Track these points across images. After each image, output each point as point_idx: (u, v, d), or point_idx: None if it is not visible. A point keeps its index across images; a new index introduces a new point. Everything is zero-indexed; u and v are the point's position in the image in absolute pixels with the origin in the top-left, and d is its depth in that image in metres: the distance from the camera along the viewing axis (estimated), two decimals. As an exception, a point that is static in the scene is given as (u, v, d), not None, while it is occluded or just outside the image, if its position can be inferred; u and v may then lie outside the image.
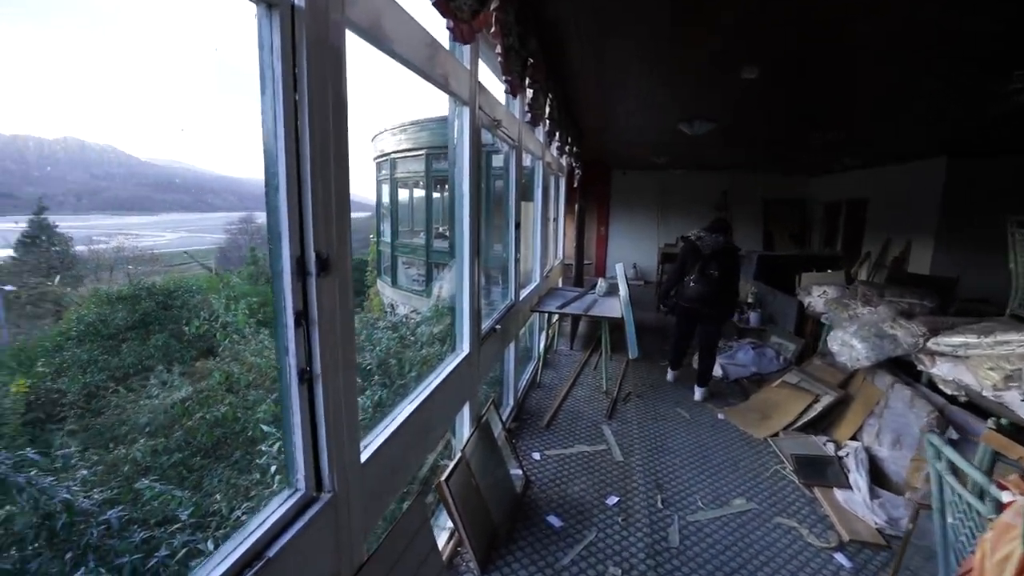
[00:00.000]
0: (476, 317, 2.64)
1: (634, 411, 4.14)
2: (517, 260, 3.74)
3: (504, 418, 3.69)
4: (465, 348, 2.56)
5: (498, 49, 2.05)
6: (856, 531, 2.70)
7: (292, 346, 1.16)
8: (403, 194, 11.45)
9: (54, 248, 17.87)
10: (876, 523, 2.72)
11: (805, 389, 4.02)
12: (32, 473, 3.17)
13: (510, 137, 3.37)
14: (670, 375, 4.81)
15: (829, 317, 4.20)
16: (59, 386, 8.31)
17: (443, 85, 2.09)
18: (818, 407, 3.77)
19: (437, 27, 1.84)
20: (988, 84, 3.37)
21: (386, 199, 11.03)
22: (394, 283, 10.67)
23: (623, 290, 4.35)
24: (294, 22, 1.07)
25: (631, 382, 4.72)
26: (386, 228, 11.13)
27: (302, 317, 1.16)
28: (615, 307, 4.46)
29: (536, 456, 3.34)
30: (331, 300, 1.23)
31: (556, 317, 5.44)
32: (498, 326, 3.10)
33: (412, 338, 5.34)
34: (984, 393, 2.58)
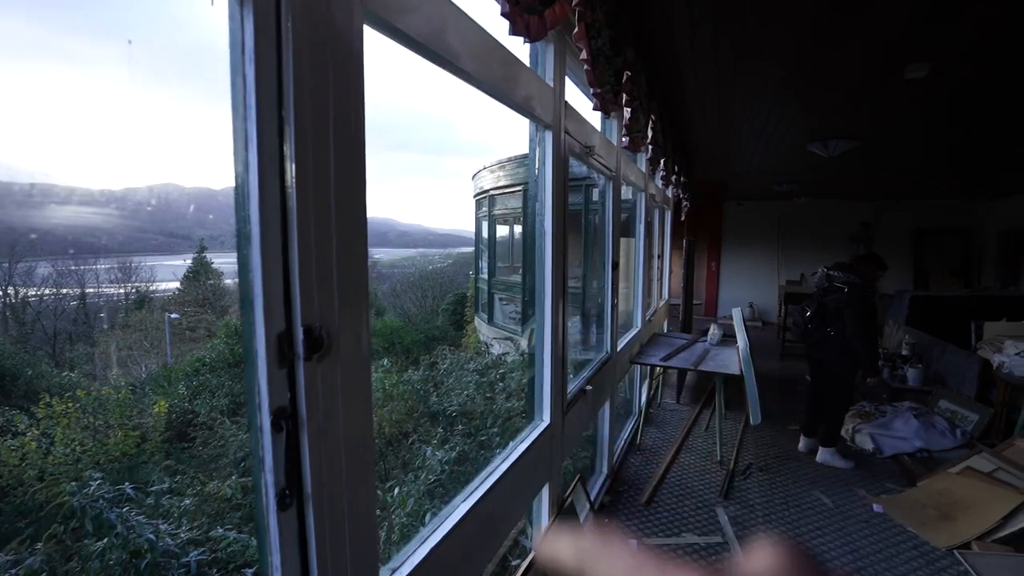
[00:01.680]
0: (560, 379, 2.21)
1: (757, 490, 3.38)
2: (614, 305, 3.26)
3: (596, 491, 3.17)
4: (545, 418, 2.13)
5: (584, 55, 1.67)
6: None
7: (268, 457, 0.83)
8: (503, 230, 11.41)
9: (209, 282, 20.59)
10: None
11: (1006, 483, 3.01)
12: (125, 509, 3.24)
13: (606, 167, 2.96)
14: (802, 443, 3.95)
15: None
16: (192, 407, 9.14)
17: (520, 106, 1.76)
18: (1029, 511, 2.77)
19: (511, 40, 1.52)
20: None
21: (485, 235, 11.05)
22: (490, 320, 10.52)
23: (742, 341, 3.65)
24: (280, 14, 0.77)
25: (751, 450, 3.93)
26: (484, 265, 11.11)
27: (285, 417, 0.83)
28: (731, 360, 3.76)
29: (632, 545, 2.75)
30: (331, 392, 0.88)
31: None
32: (589, 387, 2.63)
33: (501, 384, 4.98)
34: None
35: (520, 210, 9.53)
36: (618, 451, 3.73)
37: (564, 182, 2.18)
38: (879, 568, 2.64)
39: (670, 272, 6.20)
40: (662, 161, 3.63)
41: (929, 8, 2.11)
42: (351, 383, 0.94)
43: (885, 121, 3.84)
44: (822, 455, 3.75)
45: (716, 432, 3.86)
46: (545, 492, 2.17)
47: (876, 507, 3.22)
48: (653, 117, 3.03)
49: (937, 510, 3.09)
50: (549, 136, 2.04)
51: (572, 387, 2.50)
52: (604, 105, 1.88)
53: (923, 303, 6.11)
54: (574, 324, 6.65)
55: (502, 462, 1.77)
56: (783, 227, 9.71)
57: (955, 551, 2.75)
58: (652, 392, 4.93)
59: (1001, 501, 2.89)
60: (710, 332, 4.25)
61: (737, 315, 3.87)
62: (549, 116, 1.99)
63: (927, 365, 4.86)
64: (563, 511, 2.23)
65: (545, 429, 2.10)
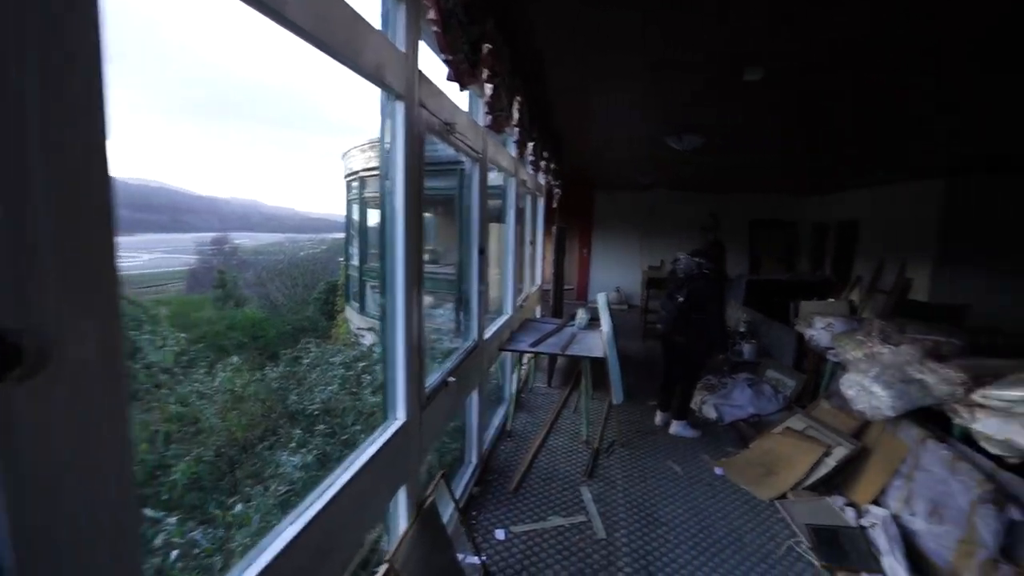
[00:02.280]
0: (418, 372, 2.06)
1: (618, 466, 3.56)
2: (482, 292, 3.18)
3: (465, 482, 3.09)
4: (400, 415, 1.97)
5: (432, 14, 1.51)
6: (899, 638, 2.14)
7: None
8: (375, 214, 10.88)
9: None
10: (923, 627, 2.16)
11: (814, 438, 3.49)
12: None
13: (472, 148, 2.84)
14: (658, 418, 4.26)
15: (838, 354, 3.69)
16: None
17: (369, 72, 1.56)
18: (831, 461, 3.23)
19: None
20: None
21: (356, 219, 10.41)
22: (362, 310, 9.99)
23: (606, 325, 3.80)
24: None
25: (615, 427, 4.15)
26: (355, 251, 10.49)
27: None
28: (597, 343, 3.91)
29: (500, 535, 2.72)
30: (47, 427, 0.64)
31: (532, 351, 4.87)
32: (452, 378, 2.52)
33: (368, 377, 4.69)
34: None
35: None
36: (488, 439, 3.70)
37: (419, 160, 2.01)
38: (718, 525, 2.90)
39: (543, 258, 6.32)
40: (530, 145, 3.61)
41: (765, 16, 2.28)
42: (91, 410, 0.69)
43: (729, 119, 4.21)
44: (674, 427, 4.07)
45: (583, 413, 4.00)
46: (402, 494, 2.02)
47: (717, 470, 3.56)
48: (519, 98, 2.97)
49: (764, 467, 3.50)
50: (401, 108, 1.85)
51: (433, 379, 2.37)
52: (459, 76, 1.74)
53: (756, 286, 6.98)
54: (448, 312, 6.56)
55: (343, 472, 1.58)
56: (646, 216, 10.47)
57: (775, 502, 3.13)
58: (524, 377, 5.00)
59: (808, 454, 3.34)
60: (577, 317, 4.39)
61: (602, 300, 4.02)
62: (401, 85, 1.80)
63: (759, 340, 5.53)
64: (423, 512, 2.10)
65: (401, 427, 1.94)
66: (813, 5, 2.15)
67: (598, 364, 3.89)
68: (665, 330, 4.09)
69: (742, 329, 5.68)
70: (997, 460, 2.49)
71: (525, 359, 4.84)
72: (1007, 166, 5.63)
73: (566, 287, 7.78)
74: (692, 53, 2.79)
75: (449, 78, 1.75)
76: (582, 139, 5.41)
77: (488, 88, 2.26)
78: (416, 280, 2.03)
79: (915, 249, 6.58)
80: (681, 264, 3.91)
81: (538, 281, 6.20)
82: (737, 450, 3.84)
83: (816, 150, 5.29)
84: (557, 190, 6.32)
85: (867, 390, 2.99)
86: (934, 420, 2.94)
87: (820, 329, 4.12)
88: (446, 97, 2.36)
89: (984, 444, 2.55)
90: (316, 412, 4.14)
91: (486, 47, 2.08)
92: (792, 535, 2.83)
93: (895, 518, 2.76)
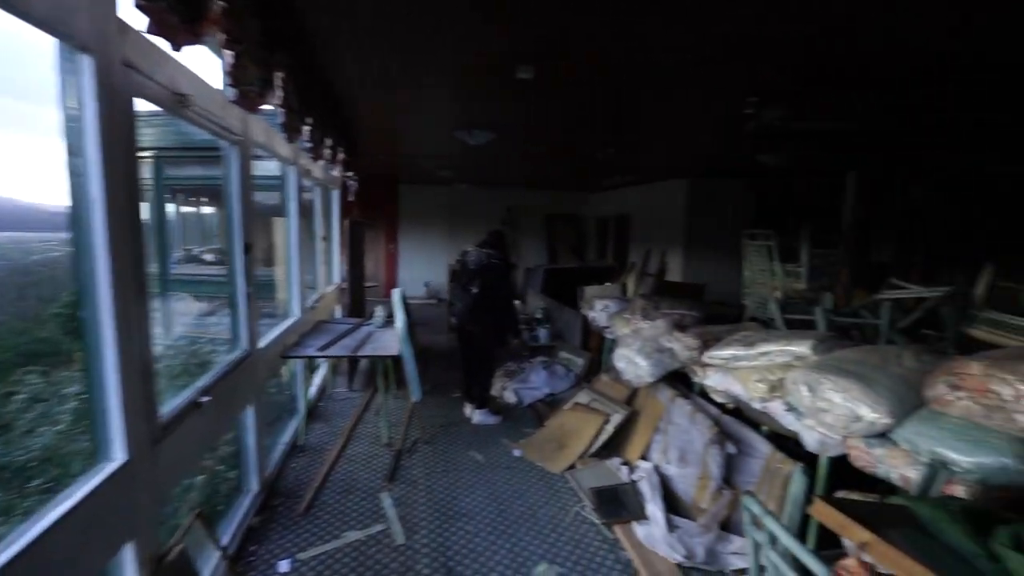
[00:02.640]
0: (143, 398, 1.65)
1: (421, 465, 3.48)
2: (251, 295, 2.76)
3: (242, 515, 2.66)
4: (118, 454, 1.55)
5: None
6: (659, 573, 2.46)
7: None
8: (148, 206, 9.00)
9: None
10: (676, 558, 2.52)
11: (596, 409, 3.88)
12: None
13: (225, 128, 2.42)
14: (467, 409, 4.31)
15: (612, 332, 4.16)
16: None
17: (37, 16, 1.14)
18: (609, 428, 3.62)
19: None
20: (730, 110, 3.64)
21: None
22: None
23: (399, 321, 3.67)
24: None
25: (420, 425, 4.06)
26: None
27: None
28: (392, 341, 3.75)
29: (283, 567, 2.40)
30: None
31: (329, 355, 4.49)
32: (207, 397, 2.11)
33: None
34: (753, 405, 2.59)
35: (151, 181, 7.61)
36: (275, 460, 3.28)
37: (127, 133, 1.60)
38: (515, 505, 3.01)
39: (341, 255, 5.90)
40: (306, 130, 3.26)
41: (532, 15, 2.36)
42: None
43: (511, 117, 4.41)
44: (476, 416, 4.16)
45: (383, 415, 3.82)
46: (129, 553, 1.60)
47: (516, 451, 3.72)
48: (282, 75, 2.62)
49: (557, 442, 3.77)
50: (89, 65, 1.43)
51: (176, 403, 1.95)
52: (160, 28, 1.40)
53: (553, 275, 7.60)
54: (222, 318, 5.72)
55: (20, 537, 1.16)
56: (451, 210, 10.62)
57: (566, 473, 3.39)
58: (322, 383, 4.59)
59: (592, 425, 3.70)
60: (374, 315, 4.17)
61: (396, 296, 3.88)
62: (88, 34, 1.39)
63: (553, 324, 6.00)
64: (164, 569, 1.70)
65: (119, 469, 1.53)
66: (576, 13, 2.31)
67: (400, 362, 3.75)
68: (460, 322, 4.14)
69: (539, 315, 6.10)
70: (721, 407, 3.05)
71: (322, 364, 4.44)
72: (719, 172, 7.07)
73: (370, 284, 7.43)
74: (470, 51, 2.81)
75: (150, 31, 1.39)
76: (378, 131, 5.16)
77: (228, 55, 1.91)
78: (136, 285, 1.62)
79: (671, 238, 7.88)
80: (471, 257, 4.01)
81: (336, 280, 5.77)
82: (534, 430, 4.07)
83: (582, 150, 5.90)
84: (352, 183, 5.95)
85: (632, 361, 3.40)
86: (683, 380, 3.49)
87: (599, 311, 4.60)
88: (177, 63, 1.94)
89: (713, 395, 3.10)
90: (31, 463, 3.14)
91: (219, 3, 1.74)
92: (578, 501, 3.08)
93: (656, 468, 3.20)
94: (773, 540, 1.39)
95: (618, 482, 3.16)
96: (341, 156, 4.73)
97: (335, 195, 5.84)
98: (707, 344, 3.08)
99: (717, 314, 5.23)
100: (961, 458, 1.67)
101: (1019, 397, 1.64)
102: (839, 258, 4.13)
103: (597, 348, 5.05)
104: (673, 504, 2.93)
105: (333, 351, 3.51)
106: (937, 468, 1.66)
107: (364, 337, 3.84)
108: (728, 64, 2.82)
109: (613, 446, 3.61)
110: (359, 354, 3.50)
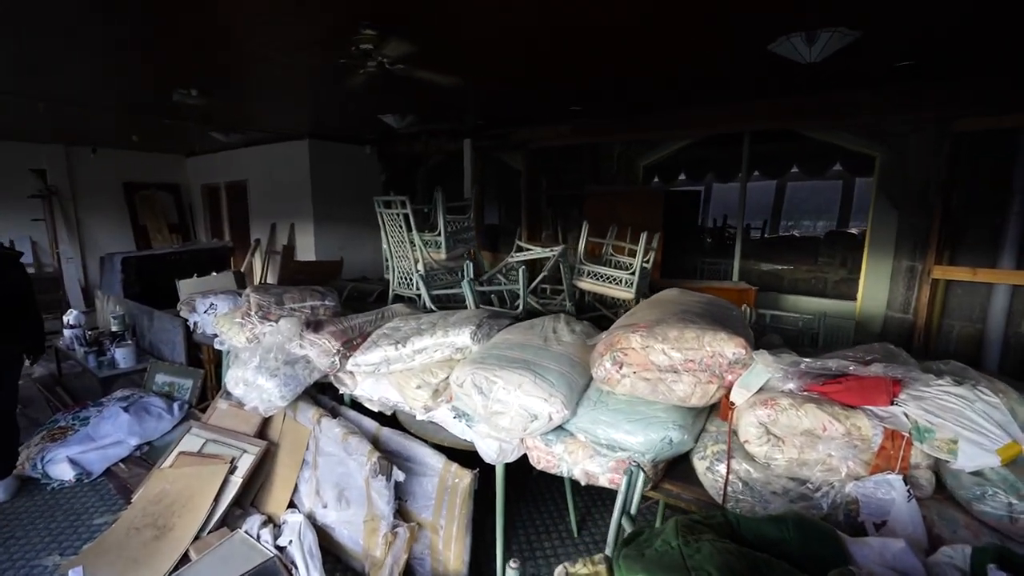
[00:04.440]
0: None
1: None
2: None
3: None
4: None
5: None
6: None
7: None
8: None
9: None
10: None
11: (214, 455, 2.75)
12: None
13: None
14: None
15: (223, 342, 3.03)
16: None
17: None
18: (238, 477, 2.59)
19: None
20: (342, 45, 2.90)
21: None
22: None
23: None
24: None
25: None
26: None
27: None
28: None
29: None
30: None
31: None
32: None
33: None
34: (418, 416, 2.10)
35: None
36: None
37: None
38: None
39: None
40: None
41: None
42: None
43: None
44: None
45: None
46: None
47: (74, 572, 2.27)
48: None
49: (154, 527, 2.49)
50: None
51: None
52: None
53: (139, 265, 5.45)
54: None
55: None
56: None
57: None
58: None
59: (210, 480, 2.58)
60: None
61: None
62: None
63: (141, 338, 4.25)
64: None
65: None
66: None
67: None
68: None
69: (115, 328, 4.21)
70: (380, 416, 2.48)
71: None
72: (346, 135, 6.48)
73: None
74: None
75: None
76: None
77: None
78: None
79: (298, 210, 6.83)
80: None
81: None
82: (114, 516, 2.64)
83: (154, 92, 4.23)
84: None
85: (253, 385, 2.45)
86: (331, 390, 2.75)
87: (203, 313, 3.35)
88: None
89: (365, 403, 2.51)
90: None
91: None
92: (194, 619, 2.02)
93: (311, 517, 2.42)
94: None
95: (258, 562, 2.23)
96: None
97: None
98: (350, 344, 2.42)
99: (360, 292, 4.69)
100: (633, 439, 1.54)
101: (672, 366, 1.59)
102: (470, 224, 4.13)
103: (211, 360, 3.76)
104: (343, 559, 2.24)
105: None
106: (632, 472, 1.47)
107: None
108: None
109: (249, 499, 2.63)
110: None
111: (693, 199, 6.76)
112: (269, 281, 6.66)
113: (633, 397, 1.65)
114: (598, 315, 4.00)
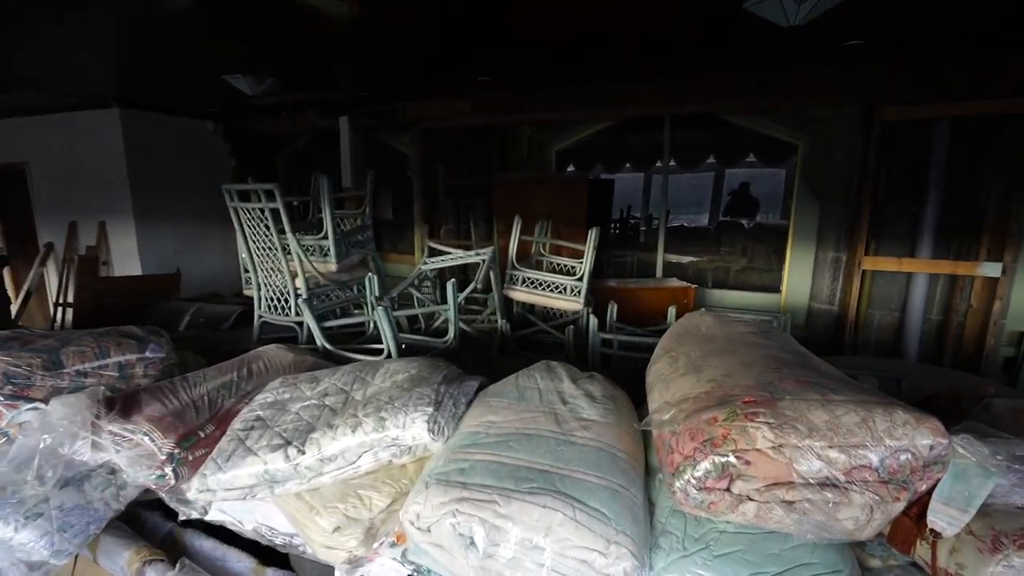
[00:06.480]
0: None
1: None
2: None
3: None
4: None
5: None
6: None
7: None
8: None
9: None
10: None
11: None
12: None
13: None
14: None
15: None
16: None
17: None
18: None
19: None
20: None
21: None
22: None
23: None
24: None
25: None
26: None
27: None
28: None
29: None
30: None
31: None
32: None
33: None
34: (337, 573, 1.17)
35: None
36: None
37: None
38: None
39: None
40: None
41: None
42: None
43: None
44: None
45: None
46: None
47: None
48: None
49: None
50: None
51: None
52: None
53: None
54: None
55: None
56: None
57: None
58: None
59: None
60: None
61: None
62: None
63: None
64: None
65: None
66: None
67: None
68: None
69: None
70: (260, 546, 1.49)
71: None
72: (177, 104, 4.95)
73: None
74: None
75: None
76: None
77: None
78: None
79: (111, 203, 5.09)
80: None
81: None
82: None
83: None
84: None
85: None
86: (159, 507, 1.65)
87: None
88: None
89: (231, 527, 1.50)
90: None
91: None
92: None
93: None
94: None
95: None
96: None
97: None
98: (194, 437, 1.39)
99: (210, 317, 3.40)
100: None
101: (830, 477, 0.90)
102: (367, 221, 3.13)
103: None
104: None
105: None
106: None
107: None
108: None
109: None
110: None
111: (607, 189, 6.34)
112: (69, 301, 4.84)
113: (755, 529, 0.94)
114: (534, 331, 3.29)
